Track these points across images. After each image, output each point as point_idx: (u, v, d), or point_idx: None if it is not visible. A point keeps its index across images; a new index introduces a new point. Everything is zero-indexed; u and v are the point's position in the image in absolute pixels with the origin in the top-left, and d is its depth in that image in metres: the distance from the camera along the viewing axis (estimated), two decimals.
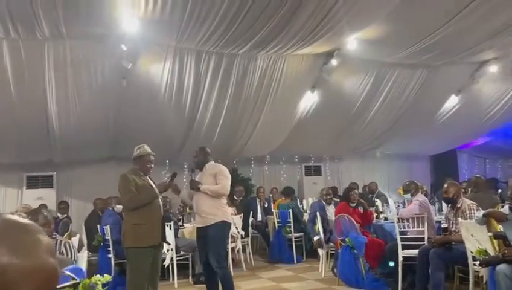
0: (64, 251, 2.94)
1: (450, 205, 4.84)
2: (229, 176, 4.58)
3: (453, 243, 4.44)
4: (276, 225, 7.73)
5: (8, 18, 4.92)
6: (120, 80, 6.25)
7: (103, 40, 5.72)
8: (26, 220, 0.75)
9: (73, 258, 2.92)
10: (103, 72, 6.23)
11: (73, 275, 1.36)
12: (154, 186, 4.27)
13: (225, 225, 4.48)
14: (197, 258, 6.34)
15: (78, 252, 5.82)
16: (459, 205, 4.66)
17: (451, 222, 4.72)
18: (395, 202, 7.85)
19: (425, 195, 7.83)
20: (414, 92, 8.34)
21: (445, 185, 4.83)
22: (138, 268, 4.08)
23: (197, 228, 4.55)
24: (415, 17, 5.71)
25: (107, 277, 1.97)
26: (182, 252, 6.35)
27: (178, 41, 5.88)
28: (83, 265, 2.96)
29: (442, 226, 4.65)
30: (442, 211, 6.51)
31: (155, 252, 4.18)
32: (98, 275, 1.98)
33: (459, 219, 4.41)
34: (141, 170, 4.27)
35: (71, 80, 6.25)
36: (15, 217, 0.74)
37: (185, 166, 9.63)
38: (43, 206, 8.12)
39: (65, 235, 5.07)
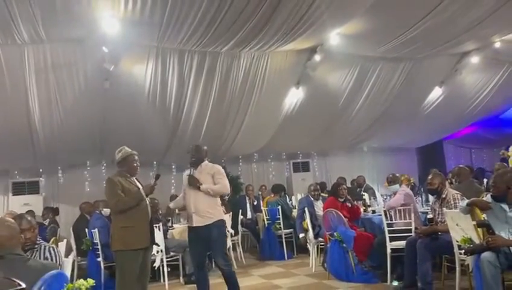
0: (49, 256, 2.89)
1: (435, 195, 4.90)
2: (225, 175, 4.60)
3: (439, 233, 4.50)
4: (266, 222, 7.75)
5: None
6: (103, 82, 6.19)
7: (83, 42, 5.67)
8: None
9: (58, 263, 2.88)
10: (85, 74, 6.17)
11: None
12: (141, 188, 4.25)
13: (224, 223, 4.55)
14: (186, 257, 6.33)
15: (67, 257, 5.78)
16: (443, 196, 4.70)
17: (436, 212, 4.77)
18: (382, 195, 7.93)
19: (413, 187, 7.94)
20: (398, 85, 8.40)
21: (430, 177, 4.88)
22: (127, 271, 4.06)
23: (193, 227, 4.43)
24: (394, 11, 5.76)
25: (91, 281, 1.95)
26: (172, 253, 6.32)
27: (159, 41, 5.85)
28: (69, 270, 2.92)
29: (428, 216, 4.70)
30: (428, 202, 6.58)
31: (144, 254, 4.16)
32: (82, 280, 1.96)
33: (444, 209, 4.46)
34: (128, 172, 4.23)
35: (53, 84, 6.18)
36: None
37: (173, 166, 9.62)
38: (31, 212, 8.04)
39: (51, 241, 5.01)
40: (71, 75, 6.13)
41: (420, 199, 6.73)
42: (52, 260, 2.89)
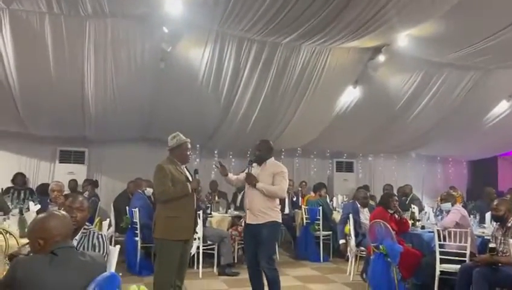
0: (97, 244, 2.82)
1: (498, 223, 4.53)
2: (287, 179, 4.40)
3: (500, 264, 4.17)
4: (305, 221, 7.55)
5: None
6: (158, 62, 6.11)
7: (144, 20, 5.58)
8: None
9: (105, 252, 2.80)
10: (142, 53, 6.09)
11: None
12: (190, 177, 4.15)
13: (277, 226, 4.35)
14: (222, 248, 6.27)
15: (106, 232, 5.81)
16: (509, 224, 4.36)
17: (499, 240, 4.42)
18: (431, 207, 7.50)
19: (465, 205, 7.46)
20: (462, 94, 7.86)
21: (496, 202, 4.53)
22: (166, 260, 3.99)
23: (247, 223, 4.38)
24: (475, 17, 5.30)
25: (142, 288, 1.83)
26: (208, 242, 6.26)
27: (221, 26, 5.66)
28: (114, 260, 2.84)
29: (490, 245, 4.34)
30: (484, 224, 6.15)
31: (185, 245, 4.08)
32: (135, 286, 1.83)
33: (510, 240, 4.10)
34: (179, 160, 4.15)
35: (110, 59, 6.15)
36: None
37: (215, 152, 9.54)
38: (74, 181, 8.22)
39: (96, 221, 5.01)
40: (128, 52, 6.06)
41: (473, 219, 6.29)
42: (100, 247, 2.83)
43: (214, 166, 4.44)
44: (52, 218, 2.08)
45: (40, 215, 2.17)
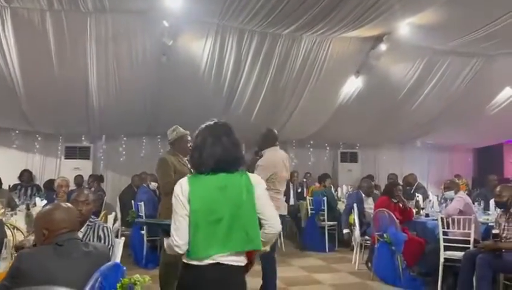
0: (102, 236, 2.88)
1: (502, 209, 4.53)
2: (268, 171, 4.16)
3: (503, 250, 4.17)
4: (310, 211, 7.59)
5: None
6: (160, 56, 6.13)
7: (145, 14, 5.60)
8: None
9: (110, 244, 2.85)
10: (144, 47, 6.12)
11: None
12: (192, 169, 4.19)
13: None
14: None
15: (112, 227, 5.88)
16: None
17: (502, 227, 4.42)
18: (436, 195, 7.50)
19: (469, 193, 7.45)
20: (466, 81, 7.81)
21: (499, 188, 4.51)
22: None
23: None
24: (478, 1, 5.24)
25: (146, 278, 1.86)
26: None
27: (221, 18, 5.67)
28: (119, 252, 2.89)
29: (494, 231, 4.34)
30: (488, 211, 6.14)
31: None
32: (137, 275, 1.87)
33: None
34: (181, 152, 4.19)
35: (112, 54, 6.19)
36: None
37: None
38: (80, 177, 8.29)
39: (101, 214, 5.08)
40: (130, 47, 6.09)
41: (478, 206, 6.28)
42: (104, 239, 2.87)
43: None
44: (57, 210, 2.12)
45: (46, 207, 2.22)
